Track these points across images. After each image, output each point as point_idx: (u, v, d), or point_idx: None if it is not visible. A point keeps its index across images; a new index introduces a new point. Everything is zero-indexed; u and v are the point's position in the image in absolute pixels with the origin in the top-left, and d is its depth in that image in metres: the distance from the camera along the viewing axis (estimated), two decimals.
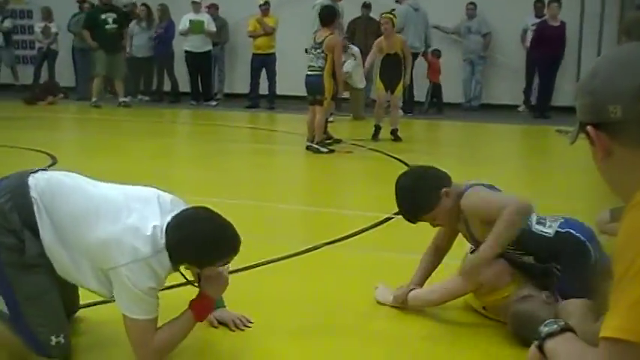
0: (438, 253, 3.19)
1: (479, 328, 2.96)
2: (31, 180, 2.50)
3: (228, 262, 2.55)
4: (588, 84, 1.36)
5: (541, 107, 11.48)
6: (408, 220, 3.03)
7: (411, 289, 3.08)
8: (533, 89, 12.10)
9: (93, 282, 2.45)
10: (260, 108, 12.44)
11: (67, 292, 2.62)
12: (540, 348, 1.39)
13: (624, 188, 1.35)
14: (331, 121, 9.89)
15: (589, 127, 1.35)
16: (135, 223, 2.42)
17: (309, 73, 7.98)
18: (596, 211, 3.88)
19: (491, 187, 3.01)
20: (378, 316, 3.06)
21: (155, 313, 2.43)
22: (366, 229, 4.50)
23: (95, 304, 2.87)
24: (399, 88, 8.72)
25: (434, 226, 3.07)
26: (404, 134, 8.72)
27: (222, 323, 2.86)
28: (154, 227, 2.42)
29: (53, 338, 2.44)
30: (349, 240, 4.25)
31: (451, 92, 12.53)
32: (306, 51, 8.34)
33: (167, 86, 13.66)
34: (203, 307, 2.57)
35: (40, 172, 2.58)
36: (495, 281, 2.86)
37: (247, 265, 3.55)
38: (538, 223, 2.88)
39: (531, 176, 6.94)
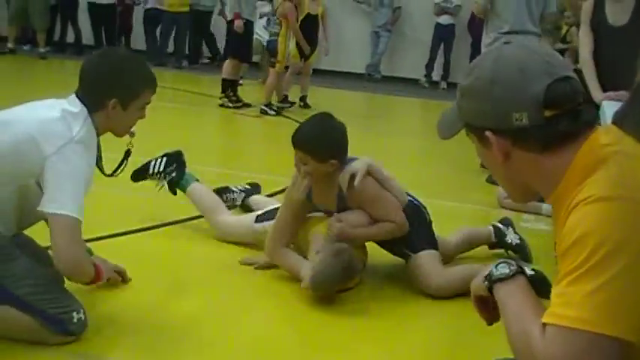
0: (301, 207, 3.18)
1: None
2: None
3: (149, 101, 2.48)
4: (486, 91, 1.34)
5: None
6: (301, 147, 2.97)
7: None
8: (435, 64, 12.42)
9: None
10: (166, 67, 12.19)
11: None
12: (490, 290, 1.38)
13: (526, 186, 1.39)
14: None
15: (488, 133, 1.34)
16: (45, 114, 2.29)
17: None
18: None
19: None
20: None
21: (82, 215, 2.25)
22: (276, 193, 4.55)
23: None
24: (314, 55, 8.70)
25: (300, 172, 3.02)
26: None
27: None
28: (63, 109, 2.31)
29: (75, 315, 2.31)
30: None
31: (357, 62, 12.69)
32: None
33: (70, 37, 13.16)
34: (97, 276, 2.46)
35: None
36: None
37: (157, 223, 3.65)
38: None
39: (431, 149, 7.17)
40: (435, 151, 6.69)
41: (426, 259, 3.09)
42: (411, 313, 2.94)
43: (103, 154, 2.52)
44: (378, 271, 3.32)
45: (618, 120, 3.00)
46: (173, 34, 12.53)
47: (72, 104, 2.34)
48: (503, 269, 1.36)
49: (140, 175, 3.65)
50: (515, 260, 1.39)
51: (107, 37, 12.75)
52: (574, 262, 1.18)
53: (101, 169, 2.56)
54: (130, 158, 2.68)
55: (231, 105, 8.17)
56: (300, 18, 8.29)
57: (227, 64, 8.27)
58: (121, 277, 2.82)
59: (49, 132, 2.23)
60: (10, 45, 11.80)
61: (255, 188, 4.08)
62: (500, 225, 3.59)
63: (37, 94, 2.59)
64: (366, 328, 2.76)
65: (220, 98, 8.29)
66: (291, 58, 8.67)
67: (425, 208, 3.31)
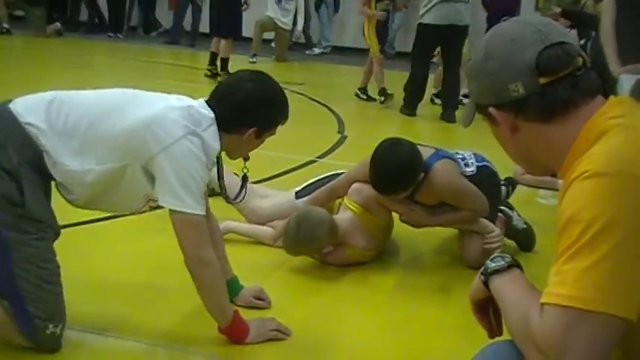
0: (332, 195, 3.24)
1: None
2: (14, 107, 2.14)
3: (274, 132, 2.38)
4: (483, 67, 1.35)
5: None
6: (389, 195, 2.97)
7: None
8: None
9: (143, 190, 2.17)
10: (180, 45, 12.17)
11: None
12: (486, 284, 1.37)
13: (538, 161, 1.38)
14: (253, 62, 9.82)
15: (491, 109, 1.35)
16: (171, 103, 2.19)
17: None
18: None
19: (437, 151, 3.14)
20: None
21: (204, 212, 2.16)
22: (289, 171, 4.55)
23: None
24: None
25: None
26: (318, 78, 8.69)
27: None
28: (190, 106, 2.20)
29: (50, 327, 2.12)
30: (274, 181, 4.29)
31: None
32: None
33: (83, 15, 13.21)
34: (238, 331, 2.30)
35: (17, 100, 2.19)
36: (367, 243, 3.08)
37: None
38: (465, 165, 3.16)
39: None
40: (446, 128, 6.65)
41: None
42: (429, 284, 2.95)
43: None
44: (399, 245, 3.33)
45: (636, 91, 2.94)
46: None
47: (202, 107, 2.24)
48: (499, 262, 1.37)
49: None
50: (510, 255, 1.39)
51: (115, 15, 12.76)
52: (569, 240, 1.17)
53: (224, 194, 2.48)
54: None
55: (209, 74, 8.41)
56: None
57: (227, 42, 8.30)
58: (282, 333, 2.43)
59: (171, 120, 2.13)
60: (5, 25, 11.52)
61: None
62: None
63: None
64: (378, 303, 2.77)
65: (210, 70, 8.45)
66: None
67: (496, 169, 3.35)
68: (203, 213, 2.16)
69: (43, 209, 2.14)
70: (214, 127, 2.21)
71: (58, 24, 11.93)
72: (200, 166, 2.14)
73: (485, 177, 3.19)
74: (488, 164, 3.29)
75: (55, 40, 11.53)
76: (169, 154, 2.10)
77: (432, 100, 7.87)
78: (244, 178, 2.55)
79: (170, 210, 2.14)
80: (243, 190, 2.57)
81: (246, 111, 2.26)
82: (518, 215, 3.46)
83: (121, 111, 2.17)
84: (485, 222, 3.09)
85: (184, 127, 2.14)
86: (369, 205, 3.06)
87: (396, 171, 2.88)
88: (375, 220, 3.09)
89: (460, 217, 3.10)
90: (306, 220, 2.90)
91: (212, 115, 2.22)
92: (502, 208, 3.44)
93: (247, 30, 10.66)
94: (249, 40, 10.58)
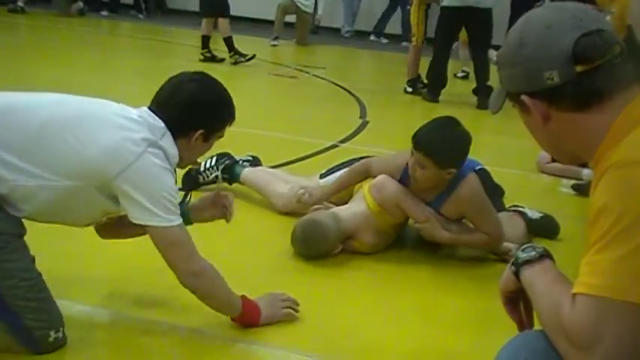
0: (366, 175, 3.16)
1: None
2: None
3: (223, 135, 2.27)
4: (516, 54, 1.32)
5: None
6: (426, 151, 2.81)
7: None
8: None
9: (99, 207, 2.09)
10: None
11: None
12: (516, 274, 1.36)
13: (569, 150, 1.36)
14: (275, 45, 9.79)
15: (524, 97, 1.32)
16: (123, 115, 2.08)
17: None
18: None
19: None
20: None
21: (180, 220, 2.08)
22: (310, 155, 4.53)
23: None
24: None
25: (414, 173, 2.88)
26: (340, 62, 8.59)
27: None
28: (141, 115, 2.11)
29: (52, 334, 2.03)
30: (295, 165, 4.28)
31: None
32: None
33: None
34: (249, 316, 2.29)
35: None
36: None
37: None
38: None
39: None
40: (470, 115, 6.60)
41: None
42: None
43: None
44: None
45: None
46: None
47: (151, 116, 2.12)
48: (530, 252, 1.36)
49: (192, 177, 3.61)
50: (542, 246, 1.38)
51: None
52: (600, 230, 1.17)
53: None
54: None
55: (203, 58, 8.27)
56: None
57: (222, 22, 8.28)
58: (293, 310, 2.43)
59: (125, 138, 2.02)
60: (20, 4, 11.52)
61: (256, 160, 3.88)
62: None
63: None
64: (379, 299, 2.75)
65: (202, 54, 8.33)
66: None
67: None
68: (180, 222, 2.08)
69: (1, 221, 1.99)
70: (169, 134, 2.11)
71: (80, 3, 11.94)
72: (167, 176, 2.06)
73: (485, 179, 3.16)
74: (482, 166, 3.25)
75: (78, 19, 11.55)
76: (130, 175, 2.00)
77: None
78: (189, 191, 2.40)
79: (146, 227, 2.06)
80: (189, 196, 2.45)
81: (192, 112, 2.15)
82: (531, 210, 3.44)
83: (76, 127, 2.03)
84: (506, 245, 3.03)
85: (143, 140, 2.04)
86: (387, 206, 2.97)
87: (450, 138, 2.83)
88: (389, 219, 3.02)
89: (475, 239, 3.00)
90: (310, 234, 2.89)
91: (162, 123, 2.11)
92: (514, 208, 3.43)
93: (270, 13, 10.67)
94: (272, 23, 10.54)
